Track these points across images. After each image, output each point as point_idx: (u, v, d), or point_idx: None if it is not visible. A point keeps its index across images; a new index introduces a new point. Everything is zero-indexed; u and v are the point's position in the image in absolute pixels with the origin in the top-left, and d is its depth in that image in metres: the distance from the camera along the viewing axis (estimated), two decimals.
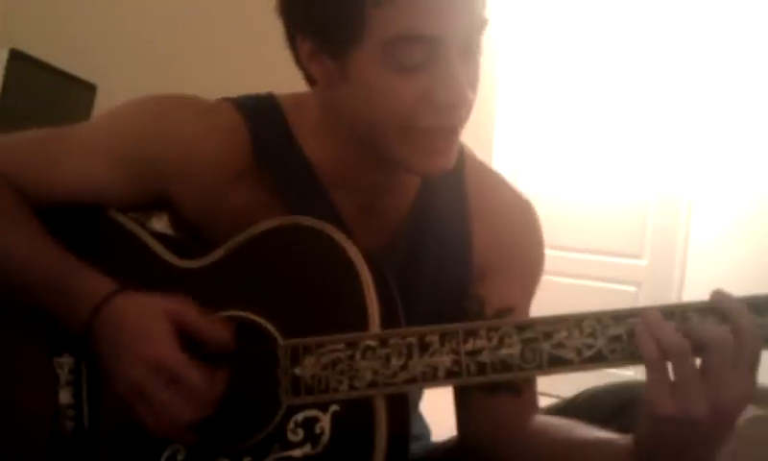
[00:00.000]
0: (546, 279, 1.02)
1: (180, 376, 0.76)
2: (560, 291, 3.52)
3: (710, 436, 0.70)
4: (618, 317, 0.73)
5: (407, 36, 0.75)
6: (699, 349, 0.69)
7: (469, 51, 0.79)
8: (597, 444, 0.82)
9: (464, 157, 0.96)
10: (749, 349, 0.69)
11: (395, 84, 0.77)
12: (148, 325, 0.79)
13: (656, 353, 0.69)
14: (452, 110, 0.80)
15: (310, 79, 0.86)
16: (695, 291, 3.39)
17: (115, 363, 0.79)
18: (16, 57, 2.25)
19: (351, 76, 0.79)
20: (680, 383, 0.68)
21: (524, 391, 0.92)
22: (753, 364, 0.69)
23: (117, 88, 1.01)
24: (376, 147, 0.84)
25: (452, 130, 0.82)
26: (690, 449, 0.71)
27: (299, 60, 0.84)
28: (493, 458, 0.93)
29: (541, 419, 0.92)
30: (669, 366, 0.69)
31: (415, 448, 0.98)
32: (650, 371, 0.70)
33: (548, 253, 1.02)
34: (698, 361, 0.69)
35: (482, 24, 0.79)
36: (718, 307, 0.71)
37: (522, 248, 0.99)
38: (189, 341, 0.79)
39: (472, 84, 0.81)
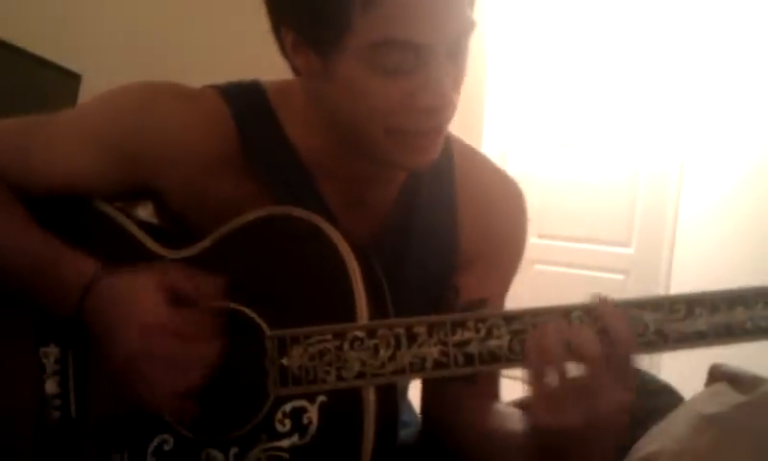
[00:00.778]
0: (535, 268, 1.03)
1: (174, 345, 0.76)
2: (548, 279, 3.55)
3: (588, 443, 0.70)
4: None
5: (393, 42, 0.73)
6: (575, 356, 0.69)
7: (456, 53, 0.78)
8: (514, 436, 0.82)
9: (451, 142, 0.96)
10: (621, 355, 0.69)
11: (380, 86, 0.76)
12: (140, 297, 0.78)
13: (535, 364, 0.70)
14: (437, 114, 0.79)
15: (295, 69, 0.85)
16: (682, 276, 3.42)
17: (110, 340, 0.79)
18: None
19: (335, 75, 0.78)
20: (555, 394, 0.69)
21: (480, 381, 0.92)
22: (626, 370, 0.70)
23: (102, 78, 1.00)
24: (360, 142, 0.83)
25: (436, 130, 0.82)
26: (569, 456, 0.71)
27: (283, 50, 0.83)
28: (448, 443, 0.94)
29: (495, 407, 0.93)
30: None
31: (403, 434, 0.99)
32: (530, 380, 0.71)
33: (537, 242, 1.02)
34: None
35: (470, 27, 0.78)
36: (595, 312, 0.72)
37: (507, 239, 0.99)
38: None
39: (457, 84, 0.80)
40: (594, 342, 0.69)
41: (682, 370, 1.70)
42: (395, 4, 0.71)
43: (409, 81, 0.76)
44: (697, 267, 3.36)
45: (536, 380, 0.70)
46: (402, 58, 0.74)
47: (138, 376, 0.77)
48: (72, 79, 2.53)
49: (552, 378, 0.69)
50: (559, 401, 0.68)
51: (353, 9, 0.72)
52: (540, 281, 3.33)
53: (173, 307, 0.78)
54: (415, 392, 1.10)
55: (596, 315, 0.71)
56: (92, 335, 0.81)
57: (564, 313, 0.73)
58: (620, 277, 3.76)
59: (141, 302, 0.78)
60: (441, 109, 0.79)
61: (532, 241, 3.57)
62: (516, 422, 0.84)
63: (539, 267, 3.70)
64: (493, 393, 0.96)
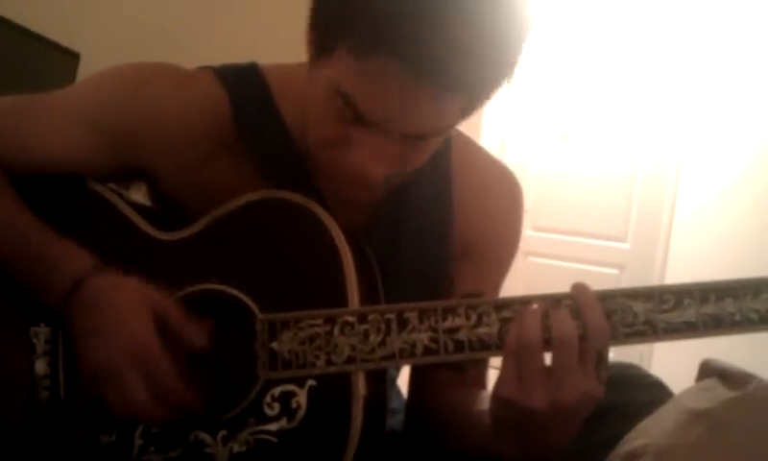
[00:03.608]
0: (529, 260, 1.03)
1: (156, 370, 0.76)
2: (542, 272, 3.56)
3: (550, 428, 0.71)
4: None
5: (348, 99, 0.71)
6: (551, 340, 0.70)
7: (415, 141, 0.75)
8: (479, 414, 0.82)
9: (450, 134, 0.96)
10: (594, 346, 0.70)
11: (325, 118, 0.75)
12: (128, 311, 0.78)
13: (514, 345, 0.70)
14: (356, 183, 0.77)
15: None
16: (677, 272, 3.42)
17: (89, 343, 0.79)
18: None
19: (311, 74, 0.76)
20: (524, 374, 0.69)
21: (468, 369, 0.92)
22: (599, 362, 0.70)
23: (101, 57, 1.00)
24: None
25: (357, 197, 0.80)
26: (530, 434, 0.72)
27: None
28: (433, 429, 0.94)
29: (481, 395, 0.92)
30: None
31: (392, 422, 0.99)
32: (505, 358, 0.71)
33: (532, 234, 1.02)
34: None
35: (435, 134, 0.75)
36: (573, 301, 0.72)
37: (503, 230, 0.99)
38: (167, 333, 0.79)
39: (404, 164, 0.78)
40: (570, 328, 0.69)
41: (672, 365, 1.71)
42: (372, 76, 0.68)
43: (349, 133, 0.74)
44: (692, 264, 3.37)
45: (510, 357, 0.71)
46: (350, 114, 0.72)
47: (108, 385, 0.77)
48: (71, 57, 2.52)
49: (526, 358, 0.70)
50: (527, 379, 0.69)
51: (338, 42, 0.69)
52: (533, 274, 3.34)
53: (158, 333, 0.78)
54: (404, 380, 1.11)
55: (577, 303, 0.72)
56: (71, 330, 0.81)
57: (555, 302, 0.73)
58: (615, 271, 3.77)
59: (129, 319, 0.78)
60: (360, 180, 0.76)
61: (527, 233, 3.58)
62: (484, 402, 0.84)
63: (533, 259, 3.72)
64: (481, 382, 0.96)
